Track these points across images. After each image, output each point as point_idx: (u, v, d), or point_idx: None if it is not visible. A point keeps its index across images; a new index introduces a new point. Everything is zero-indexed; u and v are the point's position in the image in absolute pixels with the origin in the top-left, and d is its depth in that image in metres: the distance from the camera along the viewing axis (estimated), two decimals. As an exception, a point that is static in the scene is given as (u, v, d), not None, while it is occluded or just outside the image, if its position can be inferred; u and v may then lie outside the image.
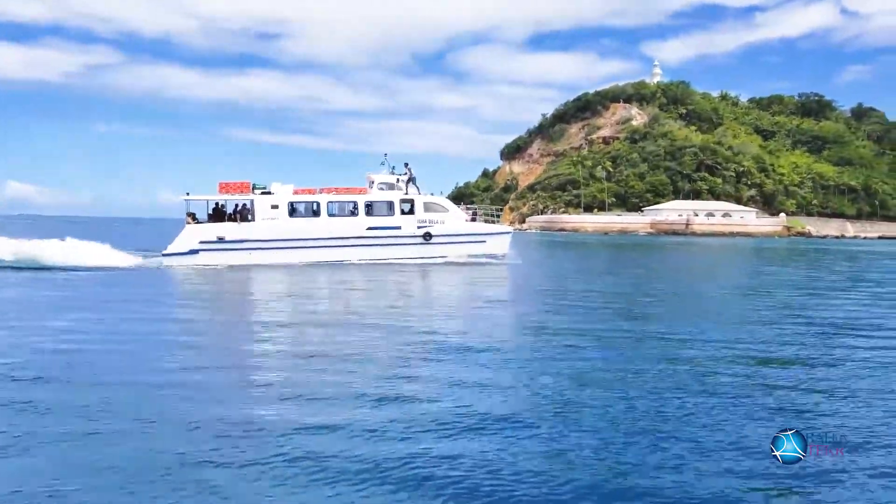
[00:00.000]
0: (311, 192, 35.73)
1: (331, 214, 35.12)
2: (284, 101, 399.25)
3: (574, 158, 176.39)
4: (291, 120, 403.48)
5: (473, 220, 39.16)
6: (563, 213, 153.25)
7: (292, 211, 34.62)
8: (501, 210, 48.85)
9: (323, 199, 35.07)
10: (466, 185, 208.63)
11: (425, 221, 36.29)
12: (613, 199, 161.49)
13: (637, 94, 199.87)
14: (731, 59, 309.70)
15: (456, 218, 37.46)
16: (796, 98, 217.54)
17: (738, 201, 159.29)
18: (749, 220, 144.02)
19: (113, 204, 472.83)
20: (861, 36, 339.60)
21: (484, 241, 37.79)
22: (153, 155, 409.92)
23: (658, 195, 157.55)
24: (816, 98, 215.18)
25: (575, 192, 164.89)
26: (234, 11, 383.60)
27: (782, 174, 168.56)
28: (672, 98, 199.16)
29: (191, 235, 33.12)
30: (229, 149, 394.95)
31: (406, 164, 37.75)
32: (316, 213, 34.88)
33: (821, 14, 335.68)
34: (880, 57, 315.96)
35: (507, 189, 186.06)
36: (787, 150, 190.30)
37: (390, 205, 35.98)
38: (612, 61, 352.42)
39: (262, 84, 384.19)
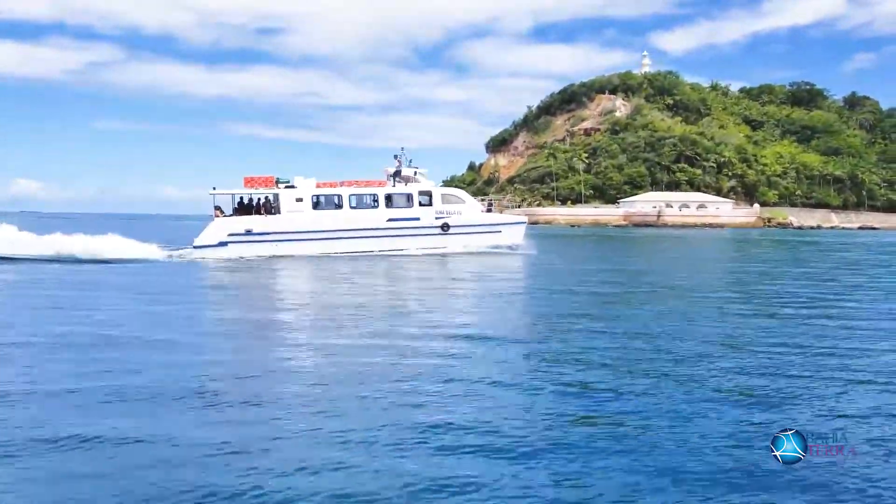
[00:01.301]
0: (332, 185, 37.07)
1: (352, 207, 36.45)
2: (285, 97, 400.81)
3: (548, 150, 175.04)
4: (292, 115, 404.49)
5: (489, 210, 41.01)
6: (538, 205, 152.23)
7: (316, 204, 36.07)
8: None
9: (345, 191, 36.49)
10: (453, 178, 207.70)
11: (443, 213, 37.61)
12: (591, 192, 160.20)
13: (623, 85, 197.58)
14: (737, 49, 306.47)
15: (472, 209, 38.96)
16: (787, 87, 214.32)
17: (719, 192, 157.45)
18: (724, 211, 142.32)
19: (115, 200, 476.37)
20: (868, 24, 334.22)
21: (500, 232, 39.23)
22: (155, 151, 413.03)
23: (636, 187, 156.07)
24: (807, 87, 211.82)
25: (553, 184, 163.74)
26: (235, 6, 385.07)
27: (765, 164, 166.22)
28: (659, 88, 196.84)
29: (220, 228, 34.73)
30: (231, 144, 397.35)
31: (396, 157, 39.04)
32: (338, 206, 36.26)
33: (828, 2, 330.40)
34: (886, 46, 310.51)
35: (490, 182, 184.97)
36: (775, 139, 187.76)
37: (409, 197, 37.36)
38: (615, 52, 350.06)
39: (262, 79, 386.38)
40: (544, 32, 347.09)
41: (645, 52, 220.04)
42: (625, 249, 56.60)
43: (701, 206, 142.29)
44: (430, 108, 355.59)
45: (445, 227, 37.48)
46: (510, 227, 39.99)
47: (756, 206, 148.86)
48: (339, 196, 36.40)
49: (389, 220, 36.73)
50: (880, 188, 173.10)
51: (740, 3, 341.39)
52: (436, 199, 37.74)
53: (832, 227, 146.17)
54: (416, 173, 38.97)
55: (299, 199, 35.75)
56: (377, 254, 35.50)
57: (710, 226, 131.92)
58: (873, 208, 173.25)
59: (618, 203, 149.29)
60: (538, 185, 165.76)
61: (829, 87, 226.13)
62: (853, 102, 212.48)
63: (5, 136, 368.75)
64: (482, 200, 42.38)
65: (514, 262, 33.28)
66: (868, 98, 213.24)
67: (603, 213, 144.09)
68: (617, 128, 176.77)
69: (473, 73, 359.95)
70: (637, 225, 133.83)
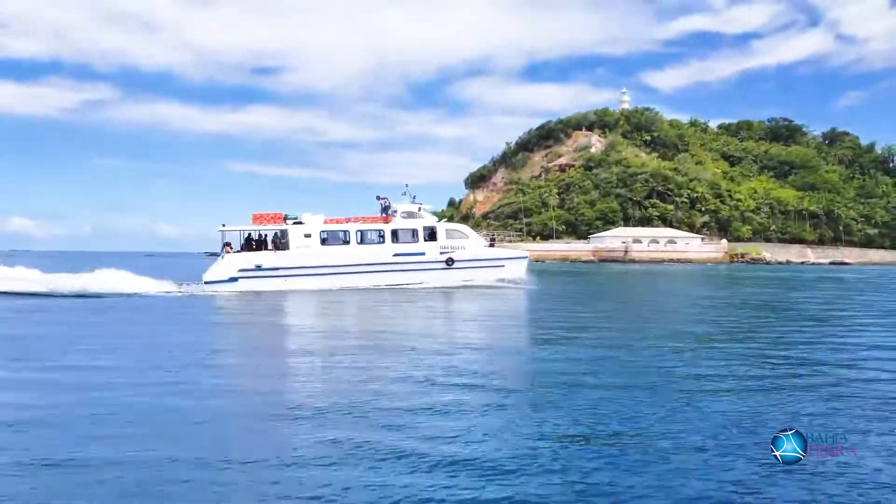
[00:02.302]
0: (339, 221, 38.13)
1: (359, 242, 37.51)
2: (282, 134, 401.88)
3: (517, 186, 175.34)
4: (289, 152, 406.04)
5: (492, 245, 41.66)
6: (509, 241, 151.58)
7: (324, 239, 37.03)
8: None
9: (352, 227, 37.60)
10: (434, 213, 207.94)
11: (447, 247, 38.33)
12: (564, 227, 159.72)
13: (600, 122, 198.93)
14: (728, 86, 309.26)
15: (476, 244, 39.68)
16: (766, 123, 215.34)
17: (692, 227, 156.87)
18: (692, 246, 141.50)
19: (109, 238, 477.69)
20: (857, 62, 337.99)
21: (503, 266, 39.89)
22: (150, 188, 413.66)
23: (608, 222, 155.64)
24: (786, 123, 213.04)
25: (527, 220, 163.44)
26: (231, 46, 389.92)
27: (739, 200, 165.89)
28: (636, 125, 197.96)
29: (230, 264, 35.73)
30: (228, 181, 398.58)
31: (377, 197, 40.11)
32: (346, 241, 37.31)
33: (816, 40, 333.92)
34: (874, 83, 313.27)
35: (466, 218, 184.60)
36: (752, 175, 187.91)
37: (414, 232, 38.11)
38: (607, 90, 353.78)
39: (259, 117, 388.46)
40: (537, 71, 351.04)
41: (624, 90, 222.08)
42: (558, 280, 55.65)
43: (670, 241, 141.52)
44: (425, 145, 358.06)
45: (450, 262, 38.24)
46: (513, 262, 40.79)
47: (724, 241, 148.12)
48: (347, 232, 37.35)
49: (395, 254, 37.51)
50: (857, 223, 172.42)
51: (730, 42, 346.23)
52: (440, 234, 38.40)
53: (803, 263, 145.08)
54: (419, 209, 39.56)
55: (308, 235, 36.64)
56: (383, 287, 36.21)
57: (678, 261, 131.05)
58: (850, 243, 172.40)
59: (588, 238, 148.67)
60: (511, 221, 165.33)
61: (818, 125, 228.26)
62: (832, 138, 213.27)
63: (1, 174, 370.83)
64: (485, 236, 43.51)
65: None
66: (847, 133, 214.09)
67: (573, 249, 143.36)
68: (591, 164, 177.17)
69: (468, 111, 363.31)
70: (604, 260, 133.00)
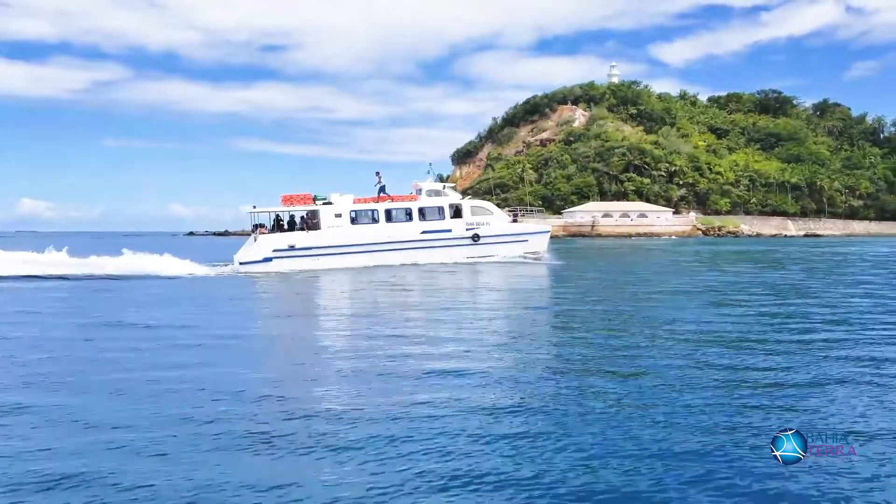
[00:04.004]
0: (365, 201, 39.29)
1: (388, 221, 38.41)
2: (291, 112, 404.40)
3: (487, 161, 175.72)
4: (299, 130, 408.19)
5: (515, 220, 42.76)
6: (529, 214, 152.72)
7: (354, 219, 38.01)
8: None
9: (381, 206, 38.57)
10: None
11: (473, 224, 39.52)
12: (540, 202, 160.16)
13: (586, 96, 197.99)
14: (738, 59, 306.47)
15: (500, 219, 40.93)
16: (756, 95, 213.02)
17: (669, 201, 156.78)
18: (663, 219, 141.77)
19: (121, 219, 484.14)
20: (867, 33, 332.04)
21: (527, 241, 41.19)
22: (162, 168, 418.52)
23: (583, 197, 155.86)
24: (775, 95, 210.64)
25: (504, 195, 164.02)
26: (239, 24, 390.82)
27: (718, 173, 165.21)
28: (622, 99, 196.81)
29: (265, 244, 36.60)
30: (239, 160, 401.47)
31: (377, 173, 40.45)
32: (375, 220, 38.29)
33: (826, 12, 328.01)
34: (885, 54, 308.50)
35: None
36: (739, 148, 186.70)
37: (441, 209, 39.16)
38: (618, 63, 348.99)
39: (268, 95, 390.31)
40: (547, 45, 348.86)
41: (613, 63, 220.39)
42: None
43: (641, 215, 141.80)
44: (436, 122, 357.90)
45: (476, 238, 39.39)
46: (536, 237, 42.12)
47: (692, 214, 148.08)
48: (376, 211, 38.34)
49: (423, 232, 38.54)
50: (841, 195, 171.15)
51: (740, 14, 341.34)
52: (465, 211, 39.52)
53: (781, 235, 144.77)
54: (444, 188, 41.31)
55: (338, 215, 37.64)
56: (412, 265, 37.30)
57: (645, 235, 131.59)
58: (834, 215, 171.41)
59: (561, 213, 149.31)
60: (489, 197, 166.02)
61: (829, 95, 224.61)
62: (823, 109, 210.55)
63: (12, 156, 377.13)
64: (509, 211, 44.48)
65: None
66: (839, 105, 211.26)
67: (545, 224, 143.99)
68: (571, 138, 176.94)
69: (478, 87, 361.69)
70: (573, 235, 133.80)
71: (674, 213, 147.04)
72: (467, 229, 39.25)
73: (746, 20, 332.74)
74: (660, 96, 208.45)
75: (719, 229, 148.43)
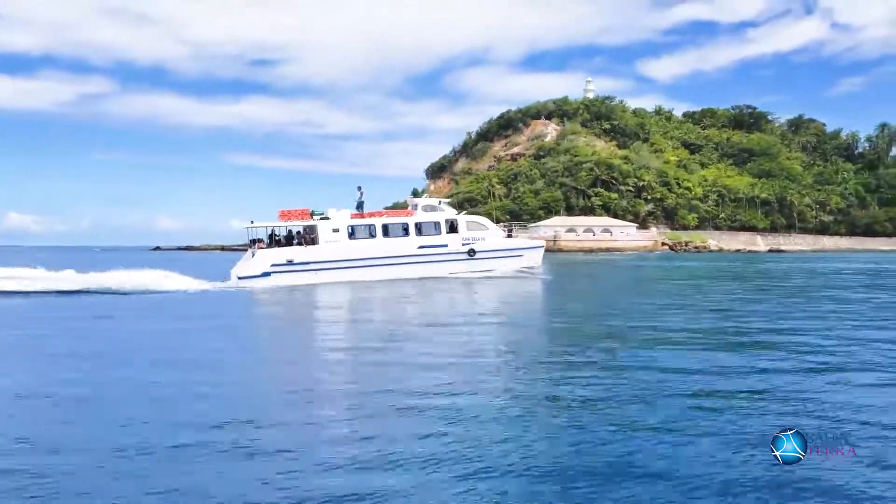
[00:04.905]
0: (362, 216, 39.80)
1: (385, 236, 38.69)
2: (281, 126, 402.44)
3: (453, 177, 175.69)
4: (289, 144, 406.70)
5: (509, 236, 43.94)
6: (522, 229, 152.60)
7: (351, 233, 38.25)
8: None
9: (378, 221, 39.00)
10: (395, 204, 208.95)
11: (469, 239, 39.82)
12: (507, 217, 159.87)
13: (559, 111, 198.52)
14: (726, 75, 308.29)
15: (495, 235, 41.44)
16: (731, 110, 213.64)
17: (636, 216, 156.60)
18: (626, 235, 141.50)
19: (109, 231, 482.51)
20: (853, 49, 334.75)
21: (522, 256, 41.84)
22: (151, 183, 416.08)
23: (550, 212, 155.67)
24: (750, 110, 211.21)
25: (472, 209, 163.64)
26: (228, 38, 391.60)
27: (687, 188, 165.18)
28: (596, 114, 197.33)
29: (263, 259, 36.54)
30: (228, 174, 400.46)
31: (359, 188, 41.08)
32: (372, 235, 38.58)
33: (812, 28, 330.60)
34: (872, 70, 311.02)
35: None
36: (712, 163, 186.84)
37: (437, 224, 39.53)
38: (605, 79, 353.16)
39: (258, 109, 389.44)
40: (537, 60, 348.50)
41: (589, 79, 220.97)
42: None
43: (605, 230, 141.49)
44: (426, 136, 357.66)
45: (472, 253, 39.65)
46: (530, 251, 42.67)
47: (653, 230, 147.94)
48: (373, 226, 38.65)
49: (420, 247, 38.87)
50: (812, 210, 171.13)
51: (726, 30, 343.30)
52: (461, 226, 39.86)
53: (750, 251, 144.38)
54: (440, 203, 41.83)
55: (336, 230, 37.88)
56: (409, 279, 37.56)
57: (606, 250, 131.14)
58: (805, 230, 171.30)
59: (527, 228, 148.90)
60: (458, 211, 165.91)
61: (815, 113, 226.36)
62: (798, 125, 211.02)
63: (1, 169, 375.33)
64: (504, 227, 45.44)
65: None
66: (813, 120, 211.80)
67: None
68: (541, 153, 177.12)
69: (468, 101, 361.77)
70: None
71: (637, 228, 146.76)
72: (463, 244, 39.58)
73: (733, 36, 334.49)
74: (635, 111, 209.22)
75: (686, 244, 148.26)
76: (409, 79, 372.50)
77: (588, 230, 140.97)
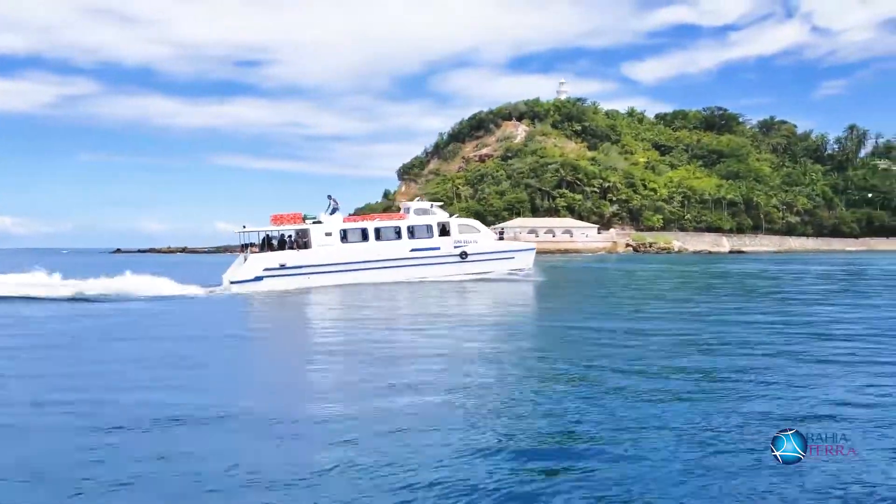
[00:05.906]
0: (355, 219, 40.55)
1: (378, 239, 38.71)
2: (269, 128, 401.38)
3: (420, 177, 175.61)
4: (277, 145, 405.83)
5: (501, 238, 44.40)
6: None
7: (344, 237, 38.16)
8: None
9: (370, 225, 39.09)
10: (367, 206, 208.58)
11: (461, 242, 39.86)
12: (473, 218, 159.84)
13: (530, 112, 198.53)
14: (710, 78, 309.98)
15: (487, 238, 41.54)
16: (702, 112, 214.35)
17: (601, 218, 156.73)
18: (587, 236, 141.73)
19: (93, 234, 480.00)
20: (833, 52, 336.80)
21: (513, 258, 41.92)
22: (136, 184, 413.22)
23: (515, 213, 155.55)
24: (721, 112, 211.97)
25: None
26: (214, 40, 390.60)
27: (653, 190, 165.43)
28: (567, 115, 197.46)
29: (256, 263, 36.43)
30: (215, 175, 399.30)
31: (329, 196, 40.61)
32: (365, 238, 38.52)
33: (793, 32, 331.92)
34: (852, 73, 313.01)
35: (388, 209, 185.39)
36: (682, 164, 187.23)
37: (429, 228, 39.56)
38: (591, 81, 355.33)
39: (245, 111, 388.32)
40: (523, 63, 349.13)
41: (562, 80, 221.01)
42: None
43: (566, 231, 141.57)
44: (413, 137, 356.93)
45: (464, 255, 39.75)
46: (522, 254, 42.67)
47: (612, 231, 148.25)
48: (365, 229, 38.64)
49: (412, 250, 38.89)
50: (779, 211, 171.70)
51: (709, 33, 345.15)
52: (453, 229, 39.87)
53: (706, 252, 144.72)
54: (431, 206, 41.72)
55: (328, 234, 37.81)
56: (402, 282, 37.58)
57: (565, 251, 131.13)
58: (772, 231, 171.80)
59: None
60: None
61: (796, 116, 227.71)
62: (769, 126, 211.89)
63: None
64: (495, 230, 45.45)
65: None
66: (784, 122, 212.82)
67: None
68: (509, 154, 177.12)
69: (454, 103, 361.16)
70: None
71: (600, 230, 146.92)
72: (455, 247, 39.62)
73: (715, 40, 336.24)
74: (607, 113, 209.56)
75: (650, 245, 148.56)
76: (396, 80, 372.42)
77: (549, 231, 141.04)
